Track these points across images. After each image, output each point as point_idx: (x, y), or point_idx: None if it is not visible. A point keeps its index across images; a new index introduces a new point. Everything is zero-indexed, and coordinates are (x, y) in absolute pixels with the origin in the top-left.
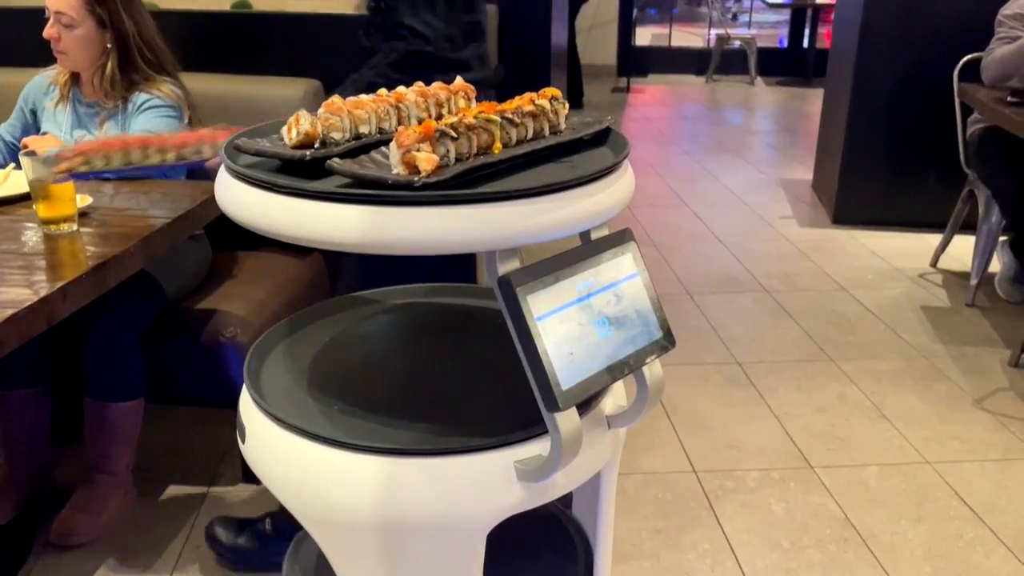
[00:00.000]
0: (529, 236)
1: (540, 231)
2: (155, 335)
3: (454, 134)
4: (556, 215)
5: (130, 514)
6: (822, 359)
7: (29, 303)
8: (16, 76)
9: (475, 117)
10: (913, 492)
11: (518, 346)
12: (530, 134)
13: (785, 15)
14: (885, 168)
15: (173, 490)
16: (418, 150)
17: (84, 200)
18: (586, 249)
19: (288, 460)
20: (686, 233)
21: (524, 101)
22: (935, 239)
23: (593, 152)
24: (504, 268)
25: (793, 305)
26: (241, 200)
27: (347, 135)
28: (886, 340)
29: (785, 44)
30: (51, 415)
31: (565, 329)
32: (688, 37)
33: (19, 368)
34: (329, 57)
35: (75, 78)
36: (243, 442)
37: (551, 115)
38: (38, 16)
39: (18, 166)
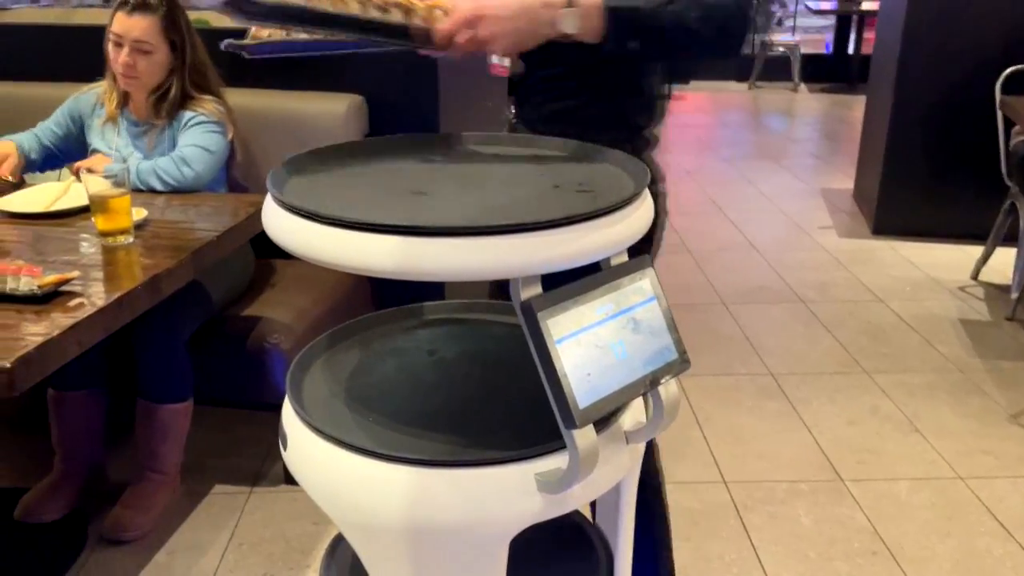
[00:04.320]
0: (549, 265)
1: (560, 260)
2: (203, 340)
3: None
4: (576, 245)
5: (178, 511)
6: (856, 371)
7: (88, 313)
8: (56, 90)
9: None
10: (943, 507)
11: (539, 367)
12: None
13: (830, 20)
14: (927, 178)
15: (219, 489)
16: None
17: (139, 213)
18: (605, 275)
19: (326, 468)
20: (722, 241)
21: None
22: (976, 251)
23: (614, 180)
24: (526, 293)
25: (828, 316)
26: (285, 227)
27: None
28: (922, 352)
29: (830, 50)
30: (105, 416)
31: (583, 351)
32: None
33: (75, 371)
34: (371, 71)
35: (125, 97)
36: (285, 449)
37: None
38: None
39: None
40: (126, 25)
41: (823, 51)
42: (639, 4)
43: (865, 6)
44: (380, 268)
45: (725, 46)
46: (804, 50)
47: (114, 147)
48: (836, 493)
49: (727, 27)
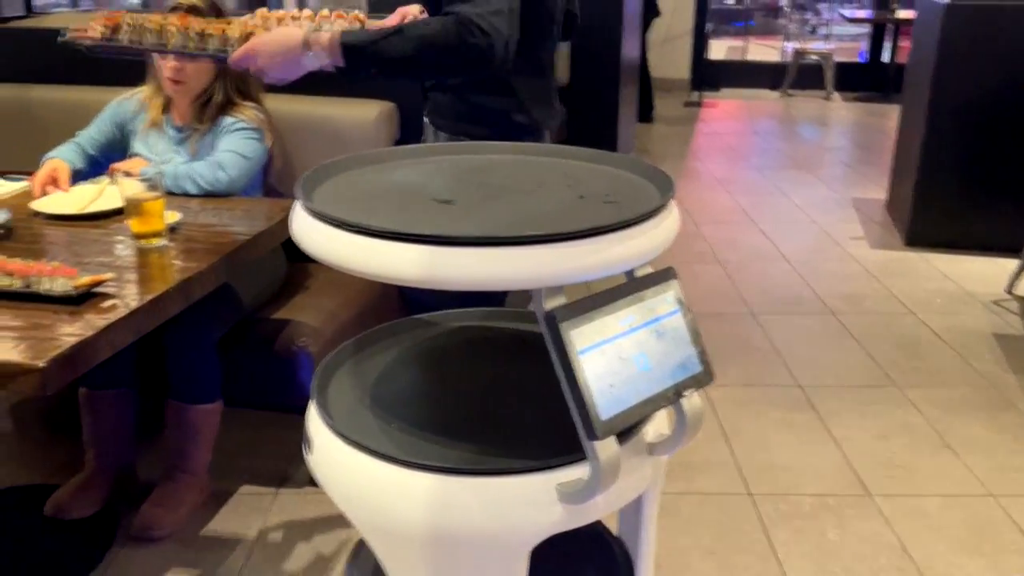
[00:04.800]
0: (573, 276)
1: (584, 271)
2: (233, 342)
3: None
4: (599, 256)
5: (206, 510)
6: (886, 384)
7: (121, 315)
8: (94, 94)
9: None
10: (974, 525)
11: (561, 377)
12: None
13: (865, 29)
14: (962, 189)
15: (246, 489)
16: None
17: (173, 216)
18: (629, 286)
19: (348, 472)
20: (752, 251)
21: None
22: (1011, 264)
23: (639, 191)
24: (549, 304)
25: (859, 328)
26: (312, 234)
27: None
28: (954, 367)
29: (864, 59)
30: (135, 415)
31: (606, 362)
32: (764, 51)
33: (107, 371)
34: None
35: (168, 103)
36: (309, 453)
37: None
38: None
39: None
40: None
41: (857, 59)
42: (366, 39)
43: (900, 14)
44: (405, 276)
45: (463, 67)
46: (837, 58)
47: (156, 152)
48: (864, 508)
49: (448, 53)
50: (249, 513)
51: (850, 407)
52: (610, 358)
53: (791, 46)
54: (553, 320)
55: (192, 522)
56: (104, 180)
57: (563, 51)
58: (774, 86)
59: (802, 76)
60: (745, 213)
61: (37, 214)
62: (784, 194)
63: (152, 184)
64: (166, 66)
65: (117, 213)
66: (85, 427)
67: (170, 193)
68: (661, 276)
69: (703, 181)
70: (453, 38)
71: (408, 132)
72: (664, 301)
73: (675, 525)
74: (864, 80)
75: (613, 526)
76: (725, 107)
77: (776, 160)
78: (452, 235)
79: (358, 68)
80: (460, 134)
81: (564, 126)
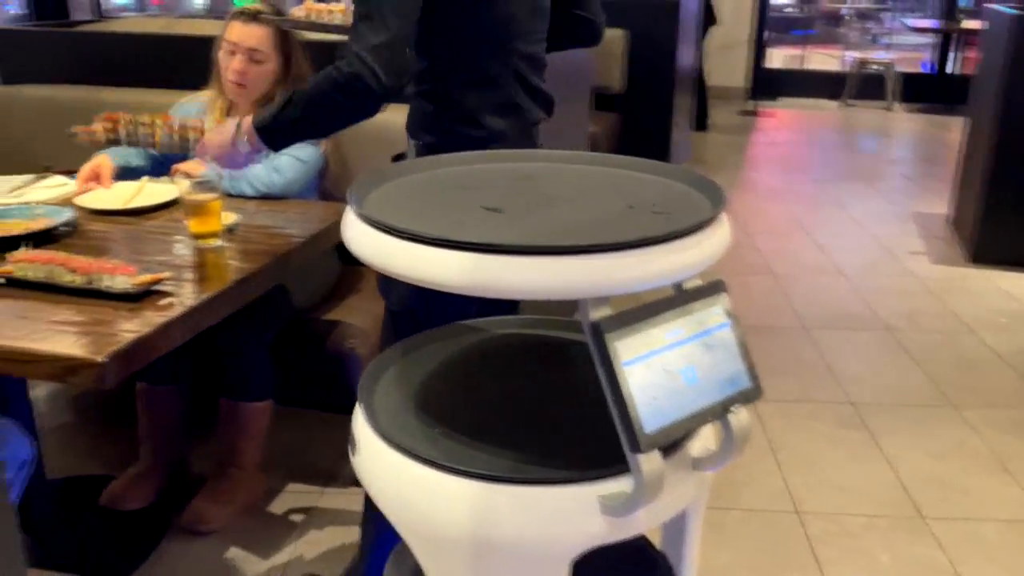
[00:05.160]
0: (619, 287)
1: (631, 282)
2: (285, 343)
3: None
4: (647, 268)
5: (255, 506)
6: (942, 404)
7: (178, 313)
8: (158, 97)
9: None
10: None
11: (605, 388)
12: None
13: (929, 39)
14: None
15: (294, 487)
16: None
17: (230, 217)
18: (677, 299)
19: (392, 475)
20: (807, 264)
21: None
22: None
23: (690, 201)
24: (595, 314)
25: (915, 346)
26: (362, 239)
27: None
28: (1014, 388)
29: (927, 69)
30: (188, 411)
31: (651, 375)
32: (824, 59)
33: (164, 367)
34: None
35: (229, 106)
36: (353, 454)
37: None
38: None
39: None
40: (242, 33)
41: (920, 70)
42: (268, 116)
43: (966, 24)
44: (451, 283)
45: (352, 111)
46: (900, 68)
47: None
48: (916, 531)
49: (330, 105)
50: (297, 510)
51: (904, 426)
52: (656, 371)
53: (852, 55)
54: (598, 331)
55: (241, 517)
56: (144, 178)
57: (617, 58)
58: (834, 96)
59: (863, 86)
60: (800, 225)
61: (89, 211)
62: (841, 206)
63: (210, 185)
64: (229, 68)
65: (157, 209)
66: (141, 421)
67: (227, 194)
68: (711, 289)
69: (758, 191)
70: (328, 88)
71: None
72: (713, 314)
73: (719, 540)
74: (928, 91)
75: (656, 540)
76: (782, 117)
77: (834, 171)
78: (497, 243)
79: (274, 144)
80: (416, 140)
81: (618, 132)
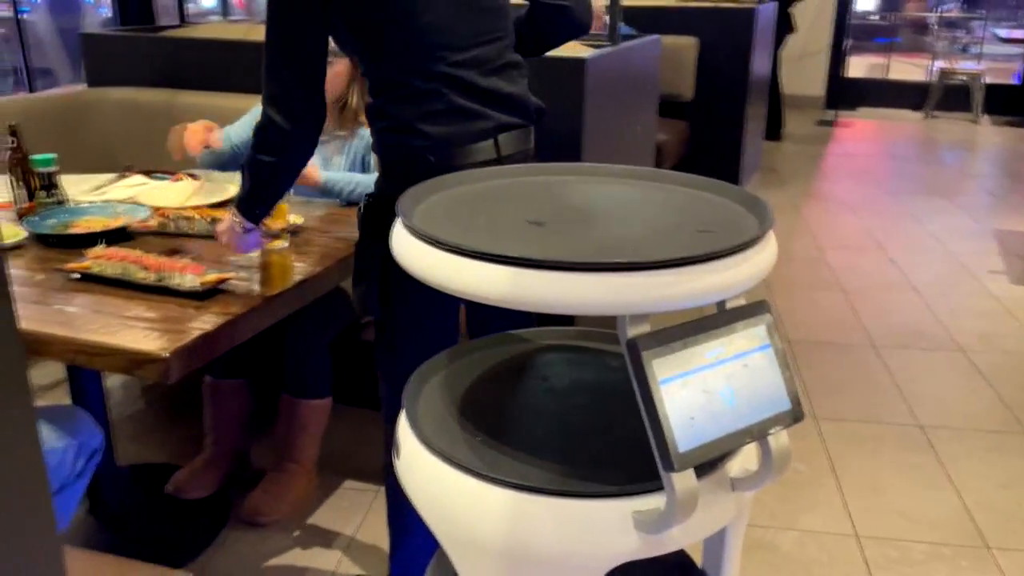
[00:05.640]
0: (656, 305)
1: (667, 301)
2: (343, 344)
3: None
4: (685, 287)
5: (311, 502)
6: (1016, 430)
7: (241, 311)
8: (242, 102)
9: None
10: None
11: (641, 406)
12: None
13: (1021, 49)
14: None
15: (349, 484)
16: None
17: (296, 219)
18: (718, 318)
19: (431, 480)
20: (879, 280)
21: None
22: None
23: (737, 220)
24: (633, 331)
25: (990, 368)
26: (409, 250)
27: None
28: None
29: (1019, 80)
30: (251, 406)
31: (688, 394)
32: (907, 69)
33: (228, 363)
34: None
35: None
36: (397, 457)
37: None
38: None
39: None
40: None
41: (1011, 81)
42: (238, 196)
43: None
44: (491, 296)
45: (285, 168)
46: (988, 80)
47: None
48: (981, 561)
49: (260, 166)
50: (350, 507)
51: (973, 452)
52: (693, 390)
53: (938, 65)
54: (635, 348)
55: (297, 511)
56: (202, 176)
57: (687, 66)
58: (917, 107)
59: (948, 97)
60: (874, 239)
61: (157, 209)
62: (918, 221)
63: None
64: None
65: (213, 208)
66: (206, 414)
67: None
68: (753, 309)
69: (831, 204)
70: (253, 150)
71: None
72: (754, 335)
73: (773, 562)
74: (1017, 103)
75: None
76: (861, 127)
77: (912, 185)
78: (536, 258)
79: (254, 216)
80: (376, 154)
81: (686, 140)
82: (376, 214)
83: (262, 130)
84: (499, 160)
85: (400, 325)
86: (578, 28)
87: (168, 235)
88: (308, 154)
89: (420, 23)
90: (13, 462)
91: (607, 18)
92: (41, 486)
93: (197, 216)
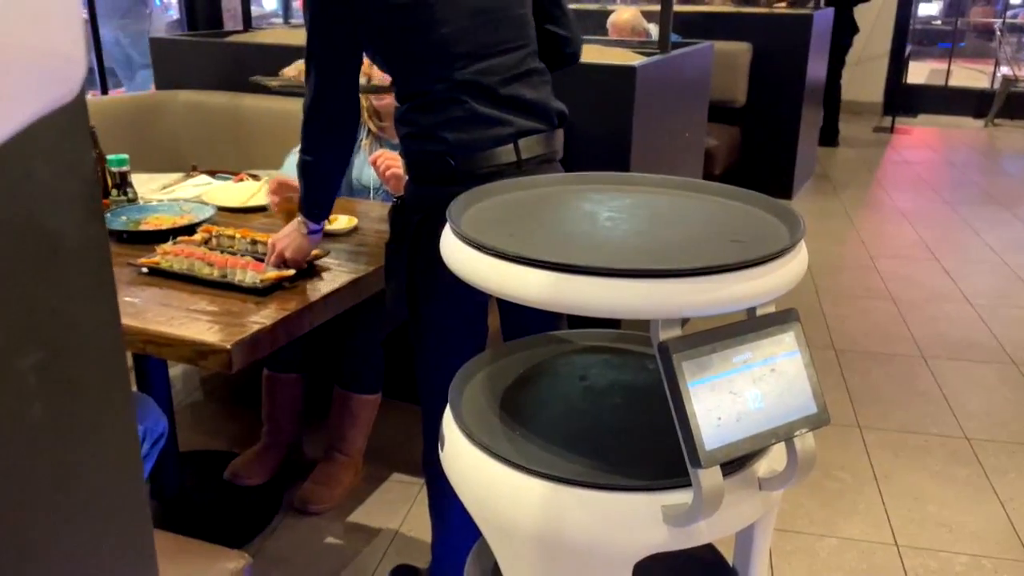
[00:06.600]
0: (691, 311)
1: (702, 307)
2: (395, 341)
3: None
4: (719, 294)
5: (359, 493)
6: None
7: (298, 308)
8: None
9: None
10: None
11: (671, 406)
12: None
13: None
14: None
15: (396, 477)
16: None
17: (351, 221)
18: (748, 324)
19: (473, 472)
20: (931, 290)
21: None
22: None
23: (770, 230)
24: (664, 335)
25: None
26: (456, 254)
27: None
28: None
29: None
30: (305, 398)
31: (716, 396)
32: (970, 75)
33: (287, 356)
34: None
35: (379, 117)
36: (442, 449)
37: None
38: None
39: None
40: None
41: None
42: (300, 195)
43: None
44: (531, 299)
45: (330, 165)
46: None
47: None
48: (1023, 574)
49: (311, 170)
50: (397, 500)
51: (1021, 466)
52: (721, 393)
53: (1002, 71)
54: (666, 351)
55: (346, 502)
56: (264, 178)
57: (740, 71)
58: (979, 114)
59: (1012, 105)
60: (927, 249)
61: (222, 209)
62: (975, 231)
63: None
64: (363, 108)
65: (261, 209)
66: (264, 404)
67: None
68: (782, 317)
69: (885, 212)
70: (300, 153)
71: (570, 152)
72: (783, 342)
73: (811, 567)
74: None
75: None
76: (920, 134)
77: (971, 194)
78: (574, 263)
79: (318, 215)
80: (404, 160)
81: (738, 146)
82: (402, 216)
83: (304, 130)
84: (519, 163)
85: (425, 324)
86: (569, 57)
87: (228, 235)
88: (347, 153)
89: (440, 33)
90: (115, 442)
91: (647, 27)
92: (136, 468)
93: (239, 235)
